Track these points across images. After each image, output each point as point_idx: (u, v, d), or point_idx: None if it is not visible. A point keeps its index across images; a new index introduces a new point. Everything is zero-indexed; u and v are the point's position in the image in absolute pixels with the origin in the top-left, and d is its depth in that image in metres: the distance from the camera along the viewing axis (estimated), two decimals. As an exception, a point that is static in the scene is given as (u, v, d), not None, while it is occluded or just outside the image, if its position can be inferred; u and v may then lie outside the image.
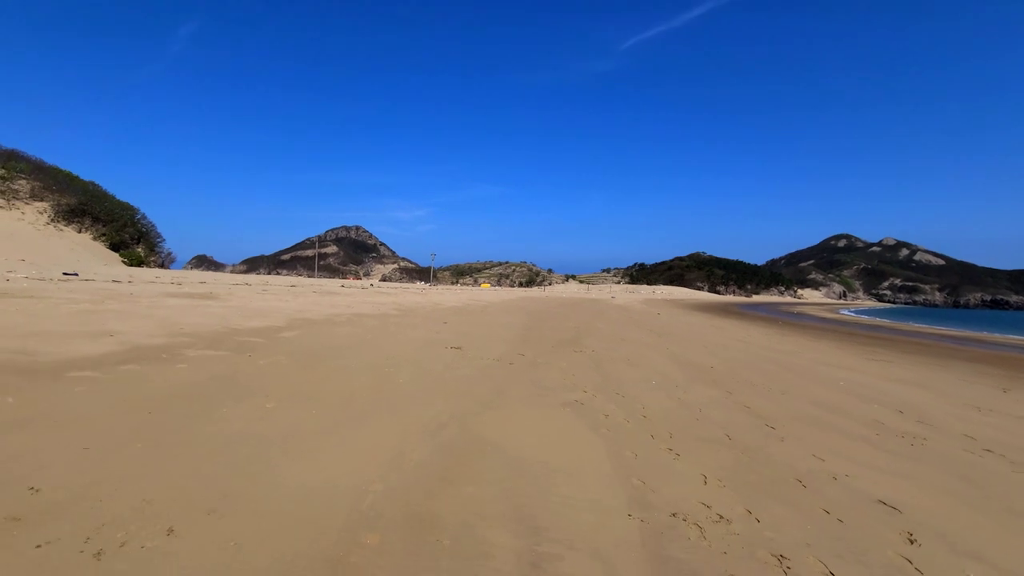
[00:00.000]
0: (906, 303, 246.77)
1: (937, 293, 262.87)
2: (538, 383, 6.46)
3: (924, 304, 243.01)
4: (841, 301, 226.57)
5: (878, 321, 48.12)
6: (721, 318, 38.36)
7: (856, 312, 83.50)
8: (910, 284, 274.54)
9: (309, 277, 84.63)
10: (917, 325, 42.01)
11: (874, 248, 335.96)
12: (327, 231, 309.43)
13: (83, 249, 46.37)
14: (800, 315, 56.21)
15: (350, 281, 57.95)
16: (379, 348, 8.00)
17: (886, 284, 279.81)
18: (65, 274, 15.35)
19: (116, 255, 50.16)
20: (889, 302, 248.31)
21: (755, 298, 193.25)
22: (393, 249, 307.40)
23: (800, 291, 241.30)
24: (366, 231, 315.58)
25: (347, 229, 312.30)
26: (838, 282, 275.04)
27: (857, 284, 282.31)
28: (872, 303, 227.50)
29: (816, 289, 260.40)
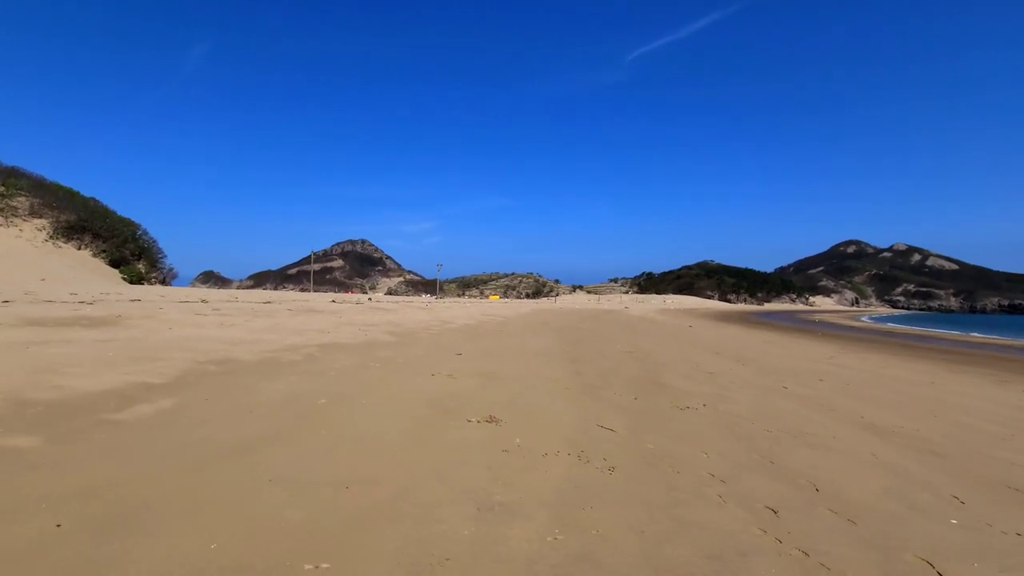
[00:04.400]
0: (921, 309, 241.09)
1: (952, 299, 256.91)
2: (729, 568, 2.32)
3: (940, 310, 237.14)
4: (854, 308, 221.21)
5: (919, 330, 43.58)
6: (759, 330, 34.16)
7: (878, 319, 79.14)
8: (924, 290, 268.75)
9: (304, 291, 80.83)
10: (977, 335, 37.44)
11: (885, 254, 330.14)
12: (333, 245, 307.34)
13: (81, 266, 45.95)
14: (825, 323, 51.85)
15: (345, 295, 53.85)
16: (331, 437, 3.89)
17: (899, 290, 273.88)
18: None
19: (116, 272, 49.02)
20: (903, 308, 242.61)
21: (767, 306, 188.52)
22: (399, 262, 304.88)
23: (812, 298, 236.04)
24: (372, 245, 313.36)
25: (353, 243, 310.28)
26: (850, 289, 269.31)
27: (869, 291, 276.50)
28: (887, 309, 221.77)
29: (828, 296, 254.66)
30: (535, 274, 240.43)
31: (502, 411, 5.12)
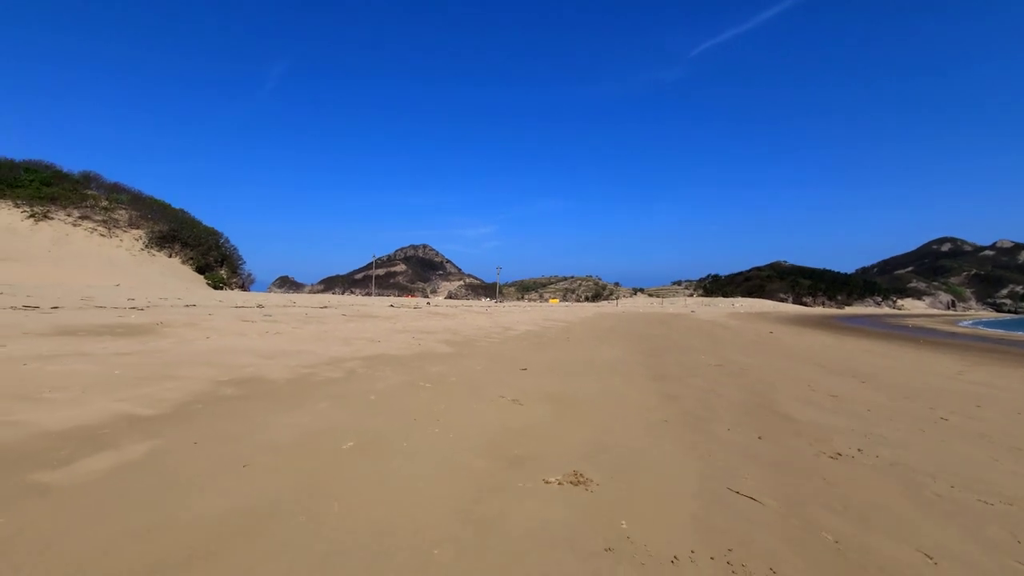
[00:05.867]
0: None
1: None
2: None
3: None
4: (950, 312, 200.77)
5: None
6: (850, 336, 30.53)
7: (979, 323, 70.25)
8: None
9: (368, 295, 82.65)
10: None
11: (986, 252, 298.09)
12: (396, 250, 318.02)
13: (171, 273, 50.89)
14: (921, 329, 46.12)
15: (404, 299, 54.06)
16: (343, 519, 2.65)
17: (1005, 292, 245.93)
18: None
19: (201, 277, 53.02)
20: (1010, 312, 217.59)
21: (848, 310, 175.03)
22: (459, 266, 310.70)
23: (900, 301, 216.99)
24: (432, 249, 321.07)
25: (414, 248, 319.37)
26: (944, 290, 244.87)
27: (968, 292, 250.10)
28: (990, 314, 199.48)
29: (918, 299, 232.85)
30: (594, 277, 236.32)
31: (590, 462, 3.69)
